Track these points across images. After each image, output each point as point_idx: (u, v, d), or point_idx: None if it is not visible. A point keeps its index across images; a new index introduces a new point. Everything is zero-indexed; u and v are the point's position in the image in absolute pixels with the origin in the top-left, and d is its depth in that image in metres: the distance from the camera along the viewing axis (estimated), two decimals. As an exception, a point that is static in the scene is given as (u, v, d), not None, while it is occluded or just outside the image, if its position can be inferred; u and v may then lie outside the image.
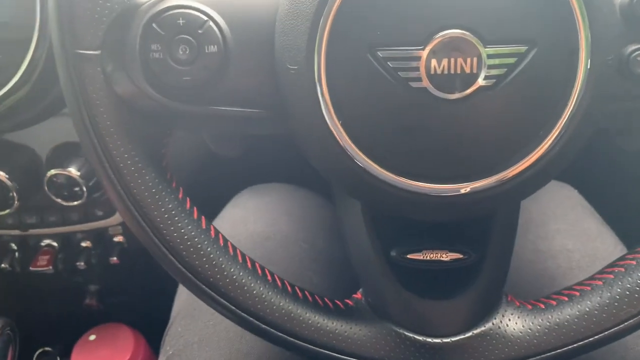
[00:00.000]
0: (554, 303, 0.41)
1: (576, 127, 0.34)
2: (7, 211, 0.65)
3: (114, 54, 0.36)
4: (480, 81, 0.33)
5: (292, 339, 0.40)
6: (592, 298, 0.40)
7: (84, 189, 0.64)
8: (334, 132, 0.34)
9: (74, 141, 0.65)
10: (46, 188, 0.64)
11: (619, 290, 0.39)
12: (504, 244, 0.42)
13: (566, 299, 0.41)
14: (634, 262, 0.40)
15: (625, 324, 0.39)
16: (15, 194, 0.63)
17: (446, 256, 0.40)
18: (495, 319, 0.41)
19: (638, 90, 0.36)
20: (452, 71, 0.32)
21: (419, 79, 0.33)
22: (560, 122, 0.34)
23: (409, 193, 0.35)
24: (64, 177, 0.64)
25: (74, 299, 0.82)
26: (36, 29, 0.52)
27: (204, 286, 0.39)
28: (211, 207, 0.68)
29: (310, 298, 0.42)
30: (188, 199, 0.40)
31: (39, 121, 0.60)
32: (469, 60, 0.32)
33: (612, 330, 0.39)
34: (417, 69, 0.33)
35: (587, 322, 0.39)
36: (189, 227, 0.39)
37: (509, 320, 0.41)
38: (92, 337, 0.83)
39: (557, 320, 0.40)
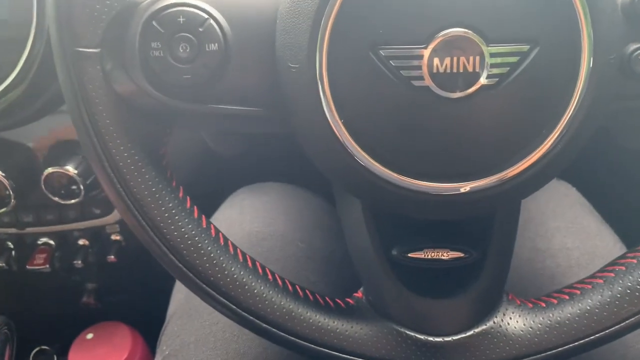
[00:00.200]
0: (555, 301, 0.41)
1: (578, 126, 0.34)
2: (3, 209, 0.65)
3: (114, 52, 0.36)
4: (483, 80, 0.32)
5: (293, 338, 0.40)
6: (593, 296, 0.40)
7: (81, 187, 0.63)
8: (335, 131, 0.34)
9: (71, 139, 0.65)
10: (43, 186, 0.64)
11: (619, 288, 0.39)
12: (505, 243, 0.41)
13: (567, 297, 0.41)
14: (634, 261, 0.40)
15: (626, 322, 0.39)
16: (11, 192, 0.63)
17: (447, 255, 0.40)
18: (496, 317, 0.41)
19: (639, 89, 0.36)
20: (455, 70, 0.32)
21: (421, 78, 0.33)
22: (562, 121, 0.34)
23: (409, 191, 0.35)
24: (61, 175, 0.63)
25: (71, 298, 0.81)
26: (33, 27, 0.52)
27: (204, 285, 0.39)
28: (210, 206, 0.68)
29: (311, 297, 0.42)
30: (188, 197, 0.40)
31: (36, 119, 0.60)
32: (471, 59, 0.32)
33: (613, 328, 0.39)
34: (419, 67, 0.32)
35: (588, 320, 0.39)
36: (190, 226, 0.39)
37: (510, 318, 0.41)
38: (90, 336, 0.83)
39: (558, 318, 0.40)
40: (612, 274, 0.40)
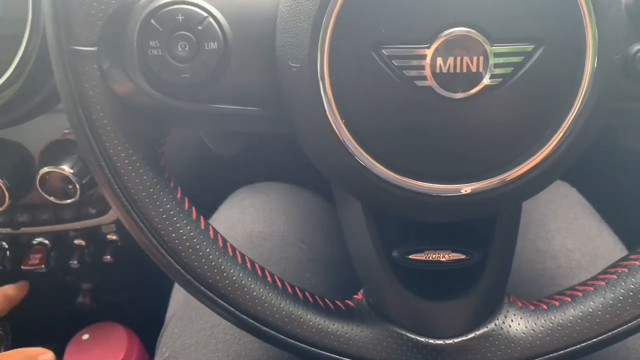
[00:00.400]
0: (557, 304, 0.40)
1: (582, 127, 0.34)
2: (-2, 209, 0.64)
3: (111, 51, 0.35)
4: (486, 80, 0.32)
5: (292, 340, 0.40)
6: (595, 299, 0.39)
7: (77, 186, 0.63)
8: (337, 131, 0.34)
9: (67, 138, 0.64)
10: (38, 186, 0.63)
11: (622, 290, 0.39)
12: (506, 244, 0.41)
13: (569, 299, 0.40)
14: (637, 263, 0.40)
15: (629, 324, 0.39)
16: (6, 192, 0.62)
17: (448, 257, 0.40)
18: (497, 319, 0.40)
19: None
20: (458, 70, 0.32)
21: (424, 78, 0.32)
22: (565, 122, 0.33)
23: (410, 192, 0.35)
24: (57, 175, 0.63)
25: (66, 298, 0.81)
26: (28, 24, 0.51)
27: (203, 288, 0.39)
28: (209, 206, 0.67)
29: (310, 299, 0.41)
30: (186, 198, 0.40)
31: (31, 118, 0.59)
32: (474, 59, 0.32)
33: (616, 331, 0.39)
34: (422, 67, 0.32)
35: (590, 322, 0.39)
36: (188, 228, 0.38)
37: (512, 321, 0.40)
38: (85, 336, 0.82)
39: (560, 321, 0.39)
40: (615, 276, 0.40)
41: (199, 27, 0.34)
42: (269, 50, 0.35)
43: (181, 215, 0.38)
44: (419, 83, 0.32)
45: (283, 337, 0.39)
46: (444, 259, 0.40)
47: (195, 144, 0.76)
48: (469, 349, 0.40)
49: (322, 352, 0.40)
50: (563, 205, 0.65)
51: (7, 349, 0.75)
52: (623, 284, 0.39)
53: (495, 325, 0.40)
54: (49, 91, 0.56)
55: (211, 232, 0.40)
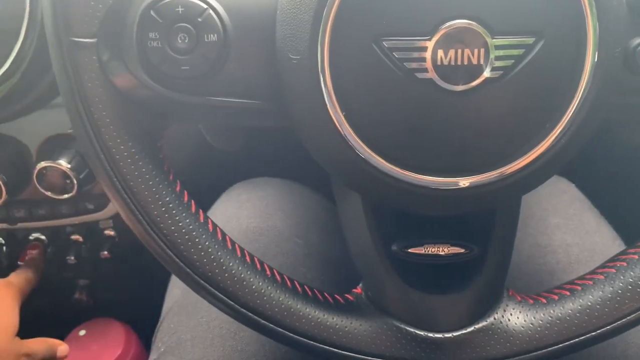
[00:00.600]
0: (556, 297, 0.41)
1: (582, 121, 0.34)
2: (-5, 204, 0.64)
3: (111, 42, 0.35)
4: (487, 73, 0.32)
5: (291, 334, 0.40)
6: (594, 292, 0.39)
7: (75, 181, 0.62)
8: (337, 123, 0.34)
9: (64, 133, 0.64)
10: (35, 181, 0.63)
11: (620, 284, 0.39)
12: (506, 238, 0.41)
13: (568, 293, 0.40)
14: (635, 257, 0.40)
15: (628, 318, 0.39)
16: (3, 187, 0.62)
17: (447, 250, 0.40)
18: (497, 313, 0.40)
19: None
20: (459, 62, 0.32)
21: (425, 70, 0.32)
22: (566, 115, 0.33)
23: (410, 185, 0.35)
24: (54, 170, 0.62)
25: (63, 294, 0.81)
26: (25, 18, 0.51)
27: (202, 281, 0.39)
28: (207, 200, 0.67)
29: (309, 293, 0.41)
30: (186, 192, 0.39)
31: (28, 112, 0.59)
32: (475, 51, 0.32)
33: (614, 324, 0.39)
34: (423, 59, 0.32)
35: (589, 316, 0.39)
36: (187, 221, 0.38)
37: (511, 315, 0.40)
38: (82, 332, 0.82)
39: (559, 314, 0.40)
40: (613, 270, 0.40)
41: (199, 19, 0.34)
42: (269, 43, 0.34)
43: (180, 208, 0.38)
44: (419, 75, 0.32)
45: (282, 330, 0.39)
46: (443, 253, 0.40)
47: (194, 138, 0.76)
48: (468, 342, 0.40)
49: (321, 345, 0.40)
50: (562, 201, 0.65)
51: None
52: (622, 277, 0.39)
53: (495, 319, 0.40)
54: (46, 86, 0.56)
55: (210, 226, 0.40)
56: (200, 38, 0.34)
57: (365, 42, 0.32)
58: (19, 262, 0.72)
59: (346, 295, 0.43)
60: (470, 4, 0.31)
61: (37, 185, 0.63)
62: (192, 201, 0.39)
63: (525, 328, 0.40)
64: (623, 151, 0.74)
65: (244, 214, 0.64)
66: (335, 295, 0.42)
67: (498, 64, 0.32)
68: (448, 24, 0.31)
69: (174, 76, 0.35)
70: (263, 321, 0.39)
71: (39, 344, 0.61)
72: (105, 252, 0.74)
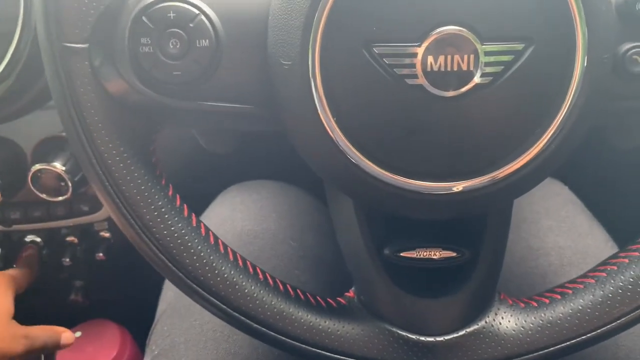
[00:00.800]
0: (547, 301, 0.41)
1: (572, 126, 0.34)
2: (-10, 207, 0.64)
3: (103, 48, 0.35)
4: (477, 79, 0.32)
5: (283, 338, 0.40)
6: (584, 296, 0.40)
7: (70, 184, 0.62)
8: (328, 129, 0.34)
9: (59, 135, 0.64)
10: (30, 183, 0.63)
11: (611, 288, 0.39)
12: (497, 242, 0.41)
13: (559, 297, 0.41)
14: (626, 260, 0.40)
15: (618, 321, 0.39)
16: (-2, 189, 0.62)
17: (439, 254, 0.40)
18: (488, 317, 0.41)
19: (632, 89, 0.36)
20: (449, 68, 0.32)
21: (415, 76, 0.32)
22: (555, 120, 0.34)
23: (402, 190, 0.35)
24: (49, 172, 0.62)
25: (59, 295, 0.80)
26: (20, 20, 0.51)
27: (194, 285, 0.39)
28: (200, 204, 0.67)
29: (302, 296, 0.41)
30: (178, 196, 0.39)
31: (23, 115, 0.59)
32: (465, 57, 0.32)
33: (605, 328, 0.39)
34: (413, 65, 0.32)
35: (580, 320, 0.39)
36: (179, 225, 0.38)
37: (502, 318, 0.41)
38: (78, 334, 0.82)
39: (550, 318, 0.40)
40: (604, 274, 0.40)
41: (191, 25, 0.34)
42: (261, 48, 0.35)
43: (173, 212, 0.38)
44: (410, 81, 0.32)
45: (274, 334, 0.40)
46: (435, 257, 0.40)
47: (187, 142, 0.76)
48: (459, 346, 0.40)
49: (314, 349, 0.40)
50: (555, 204, 0.65)
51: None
52: (612, 281, 0.39)
53: (486, 322, 0.40)
54: (41, 88, 0.56)
55: (203, 230, 0.40)
56: (192, 43, 0.34)
57: (356, 48, 0.32)
58: (14, 265, 0.72)
59: (338, 298, 0.43)
60: (460, 11, 0.32)
61: (32, 188, 0.63)
62: (185, 205, 0.40)
63: (516, 331, 0.40)
64: (614, 155, 0.75)
65: (238, 216, 0.64)
66: (328, 299, 0.42)
67: (488, 69, 0.32)
68: (438, 30, 0.32)
69: (165, 81, 0.35)
70: (255, 325, 0.39)
71: (40, 330, 0.59)
72: (101, 254, 0.74)
